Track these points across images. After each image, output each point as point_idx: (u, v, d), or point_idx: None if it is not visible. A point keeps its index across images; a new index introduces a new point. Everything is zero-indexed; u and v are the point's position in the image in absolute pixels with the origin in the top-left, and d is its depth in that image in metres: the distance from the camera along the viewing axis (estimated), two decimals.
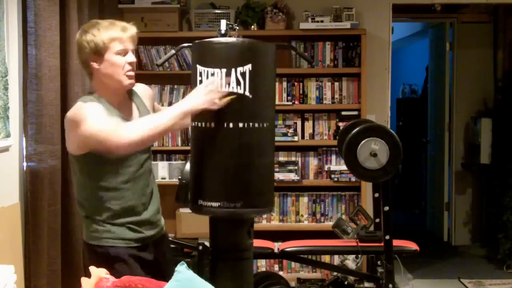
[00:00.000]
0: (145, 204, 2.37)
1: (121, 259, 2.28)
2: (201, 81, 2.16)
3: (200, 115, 2.17)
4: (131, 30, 2.27)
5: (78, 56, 2.29)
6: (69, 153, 2.30)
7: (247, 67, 2.11)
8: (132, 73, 2.27)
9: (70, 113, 2.22)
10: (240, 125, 2.13)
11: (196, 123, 2.20)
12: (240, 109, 2.12)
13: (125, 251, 2.29)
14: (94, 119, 2.14)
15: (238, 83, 2.11)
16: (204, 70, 2.15)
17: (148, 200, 2.39)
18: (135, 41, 2.29)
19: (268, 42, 2.26)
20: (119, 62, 2.23)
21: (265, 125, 2.18)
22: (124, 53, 2.24)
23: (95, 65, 2.23)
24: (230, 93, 2.11)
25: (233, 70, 2.11)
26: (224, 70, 2.11)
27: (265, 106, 2.19)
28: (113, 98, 2.28)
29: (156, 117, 2.16)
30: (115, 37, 2.21)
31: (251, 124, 2.14)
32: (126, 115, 2.32)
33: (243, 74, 2.11)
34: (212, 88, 2.11)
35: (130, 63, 2.25)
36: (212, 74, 2.12)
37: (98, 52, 2.20)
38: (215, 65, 2.13)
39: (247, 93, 2.12)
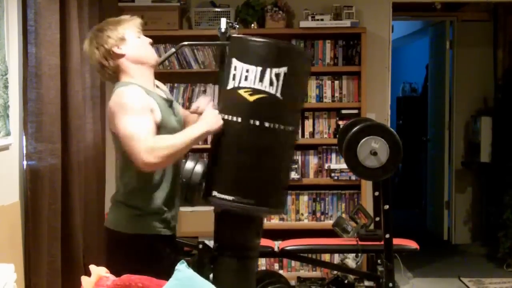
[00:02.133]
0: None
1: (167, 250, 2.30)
2: (234, 75, 2.17)
3: (231, 108, 2.18)
4: (136, 18, 2.42)
5: (98, 55, 2.31)
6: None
7: (283, 69, 2.13)
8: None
9: (111, 102, 2.23)
10: (266, 124, 2.14)
11: (224, 115, 2.20)
12: (269, 109, 2.13)
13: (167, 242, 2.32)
14: (130, 119, 2.13)
15: (271, 83, 2.12)
16: (239, 65, 2.16)
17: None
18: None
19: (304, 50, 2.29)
20: (140, 42, 2.36)
21: (290, 128, 2.20)
22: (139, 36, 2.38)
23: (121, 51, 2.29)
24: (260, 91, 2.13)
25: (268, 69, 2.12)
26: (259, 68, 2.13)
27: (293, 110, 2.20)
28: (146, 83, 2.31)
29: (179, 139, 2.15)
30: (129, 24, 2.36)
31: (277, 125, 2.15)
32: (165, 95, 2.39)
33: (277, 75, 2.12)
34: None
35: (149, 43, 2.40)
36: (247, 71, 2.14)
37: (122, 38, 2.31)
38: (251, 62, 2.15)
39: (278, 94, 2.13)
